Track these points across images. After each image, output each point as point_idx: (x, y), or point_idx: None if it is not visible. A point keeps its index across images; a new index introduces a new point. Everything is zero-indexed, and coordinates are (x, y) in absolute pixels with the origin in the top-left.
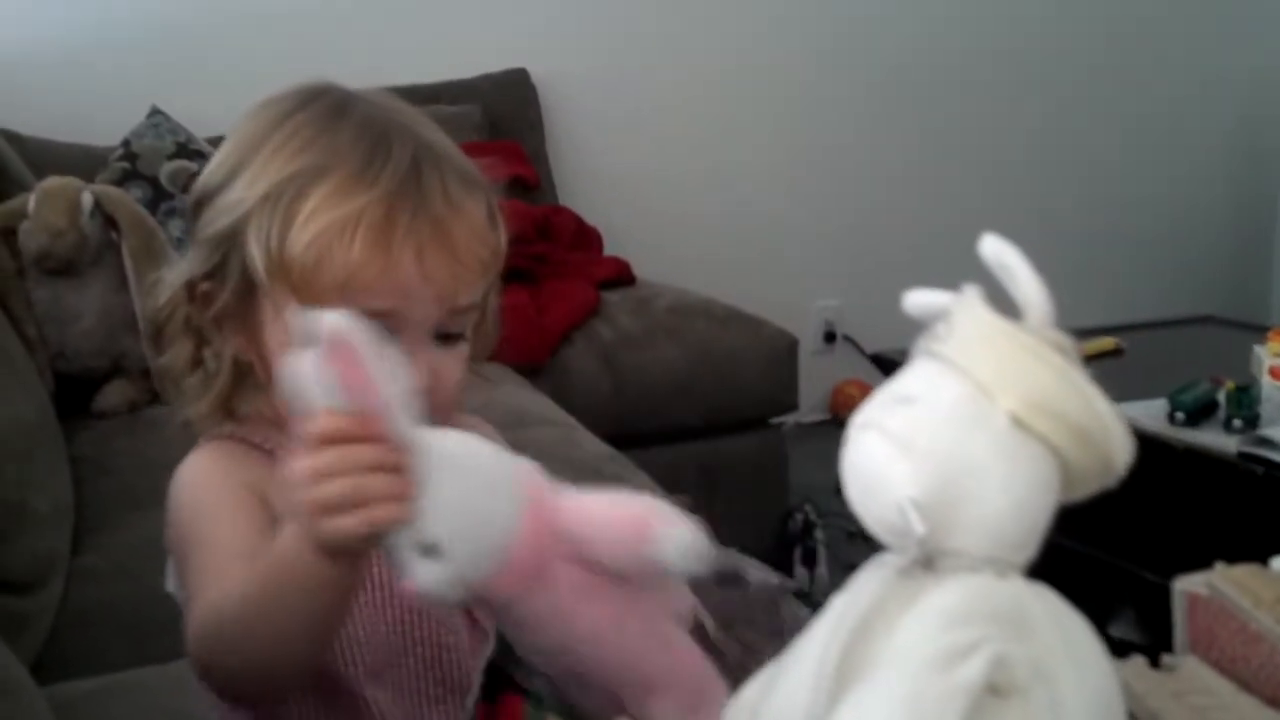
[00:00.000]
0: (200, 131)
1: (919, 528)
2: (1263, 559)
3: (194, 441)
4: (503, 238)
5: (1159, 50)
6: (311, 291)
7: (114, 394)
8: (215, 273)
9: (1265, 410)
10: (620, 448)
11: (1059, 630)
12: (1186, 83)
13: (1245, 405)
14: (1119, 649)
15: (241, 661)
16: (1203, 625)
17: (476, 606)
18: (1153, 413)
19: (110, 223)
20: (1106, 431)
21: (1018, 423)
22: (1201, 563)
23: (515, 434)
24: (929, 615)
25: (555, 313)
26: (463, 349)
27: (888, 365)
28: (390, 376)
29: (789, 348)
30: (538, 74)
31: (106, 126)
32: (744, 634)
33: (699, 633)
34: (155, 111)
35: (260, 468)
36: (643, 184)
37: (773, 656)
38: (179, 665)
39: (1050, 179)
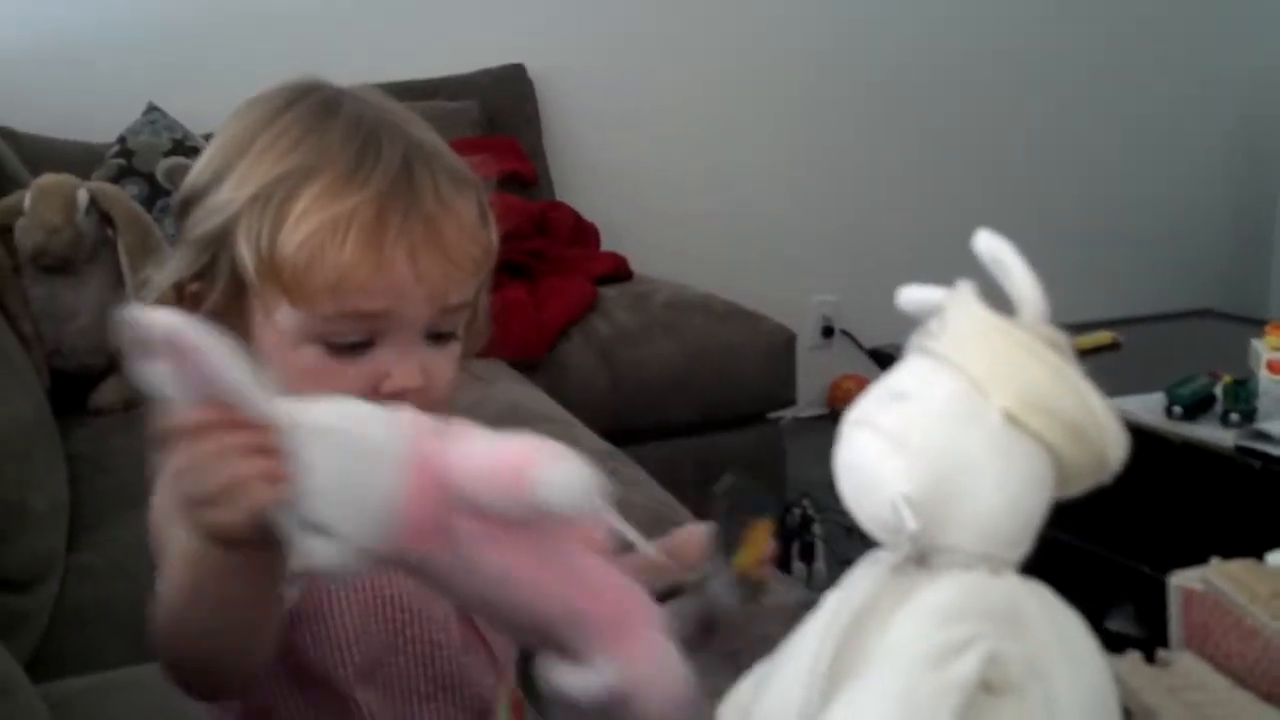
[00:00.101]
0: (197, 128)
1: (912, 524)
2: (1260, 552)
3: None
4: (494, 236)
5: (1158, 48)
6: (303, 292)
7: (110, 391)
8: (204, 274)
9: (1262, 404)
10: (618, 443)
11: (1053, 627)
12: (1185, 80)
13: (1242, 399)
14: (1116, 643)
15: (186, 655)
16: (1198, 620)
17: (382, 571)
18: (1150, 406)
19: (106, 219)
20: (1100, 428)
21: (1011, 419)
22: (1198, 557)
23: (512, 429)
24: (922, 612)
25: (553, 308)
26: (455, 348)
27: (886, 360)
28: (235, 362)
29: (787, 343)
30: (535, 69)
31: (103, 123)
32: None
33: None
34: (151, 108)
35: None
36: (640, 179)
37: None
38: None
39: (1049, 175)
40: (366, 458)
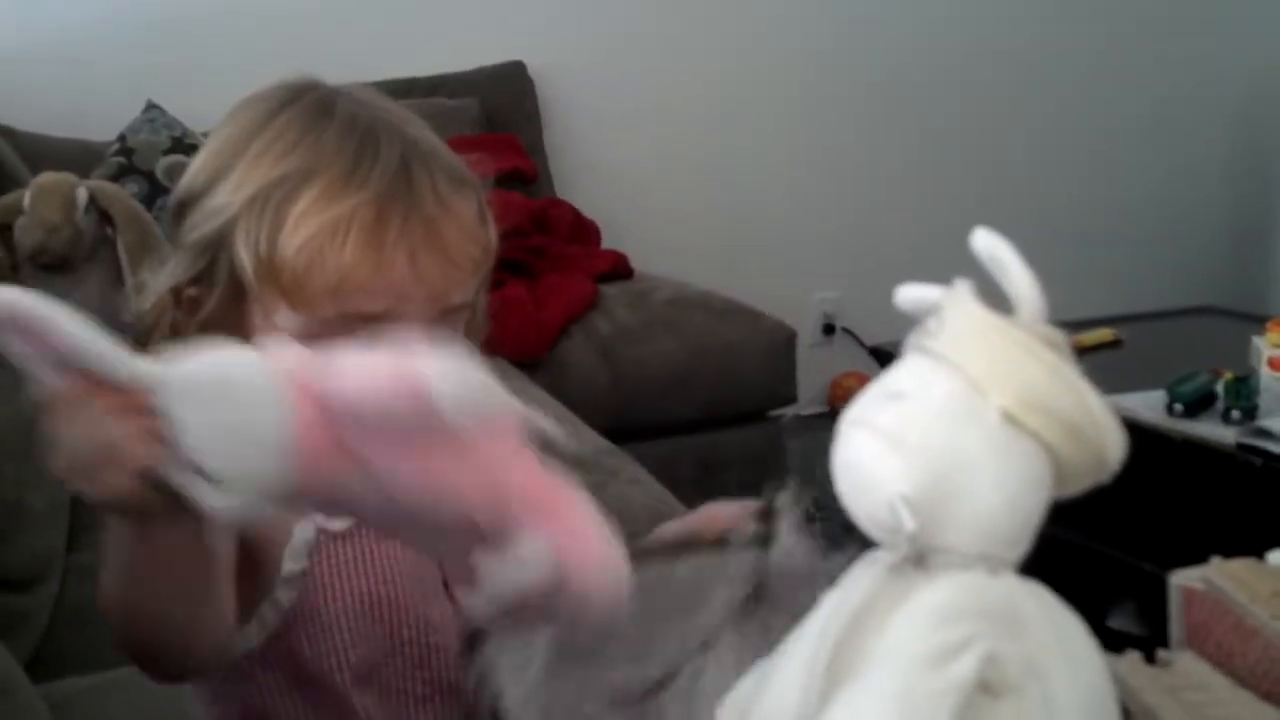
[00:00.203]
0: (196, 126)
1: (910, 524)
2: (1262, 550)
3: None
4: (493, 235)
5: (1157, 45)
6: (303, 295)
7: None
8: (202, 278)
9: (1264, 401)
10: (618, 441)
11: (1052, 627)
12: (1185, 78)
13: (1244, 396)
14: (1117, 642)
15: (131, 636)
16: (1198, 620)
17: (297, 510)
18: (1151, 404)
19: (105, 218)
20: (1099, 427)
21: (1009, 419)
22: (1200, 555)
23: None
24: (920, 613)
25: (553, 306)
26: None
27: (887, 358)
28: (85, 329)
29: (787, 340)
30: (535, 66)
31: (102, 121)
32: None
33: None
34: (151, 106)
35: None
36: (641, 177)
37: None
38: None
39: (1050, 172)
40: (244, 399)
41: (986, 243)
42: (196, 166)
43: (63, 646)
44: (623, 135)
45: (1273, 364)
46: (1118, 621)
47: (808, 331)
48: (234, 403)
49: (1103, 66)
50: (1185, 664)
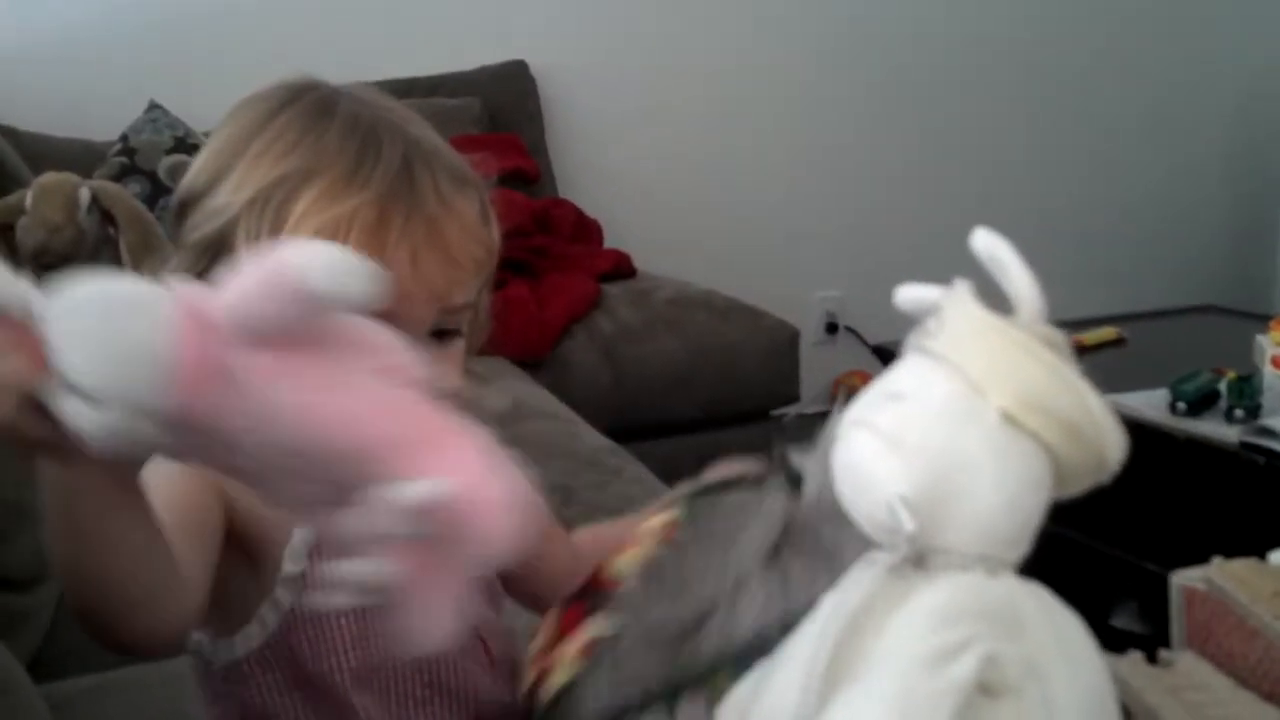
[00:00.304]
0: (199, 126)
1: (909, 525)
2: (1266, 549)
3: None
4: (496, 234)
5: (1158, 42)
6: None
7: None
8: (204, 278)
9: (1267, 400)
10: (620, 440)
11: (1051, 628)
12: (1187, 75)
13: (1247, 395)
14: (1120, 640)
15: (77, 605)
16: (1200, 620)
17: (174, 435)
18: (1154, 403)
19: (108, 218)
20: (1098, 427)
21: (1009, 419)
22: (1203, 554)
23: (515, 427)
24: (919, 614)
25: (555, 306)
26: (458, 347)
27: (890, 356)
28: None
29: (790, 339)
30: (537, 66)
31: (104, 121)
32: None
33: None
34: (153, 106)
35: None
36: (643, 176)
37: None
38: (175, 663)
39: (1053, 171)
40: (125, 312)
41: (986, 243)
42: (198, 166)
43: (64, 647)
44: (625, 135)
45: (1276, 362)
46: (1121, 621)
47: (811, 330)
48: (114, 316)
49: (1103, 65)
50: (1187, 664)
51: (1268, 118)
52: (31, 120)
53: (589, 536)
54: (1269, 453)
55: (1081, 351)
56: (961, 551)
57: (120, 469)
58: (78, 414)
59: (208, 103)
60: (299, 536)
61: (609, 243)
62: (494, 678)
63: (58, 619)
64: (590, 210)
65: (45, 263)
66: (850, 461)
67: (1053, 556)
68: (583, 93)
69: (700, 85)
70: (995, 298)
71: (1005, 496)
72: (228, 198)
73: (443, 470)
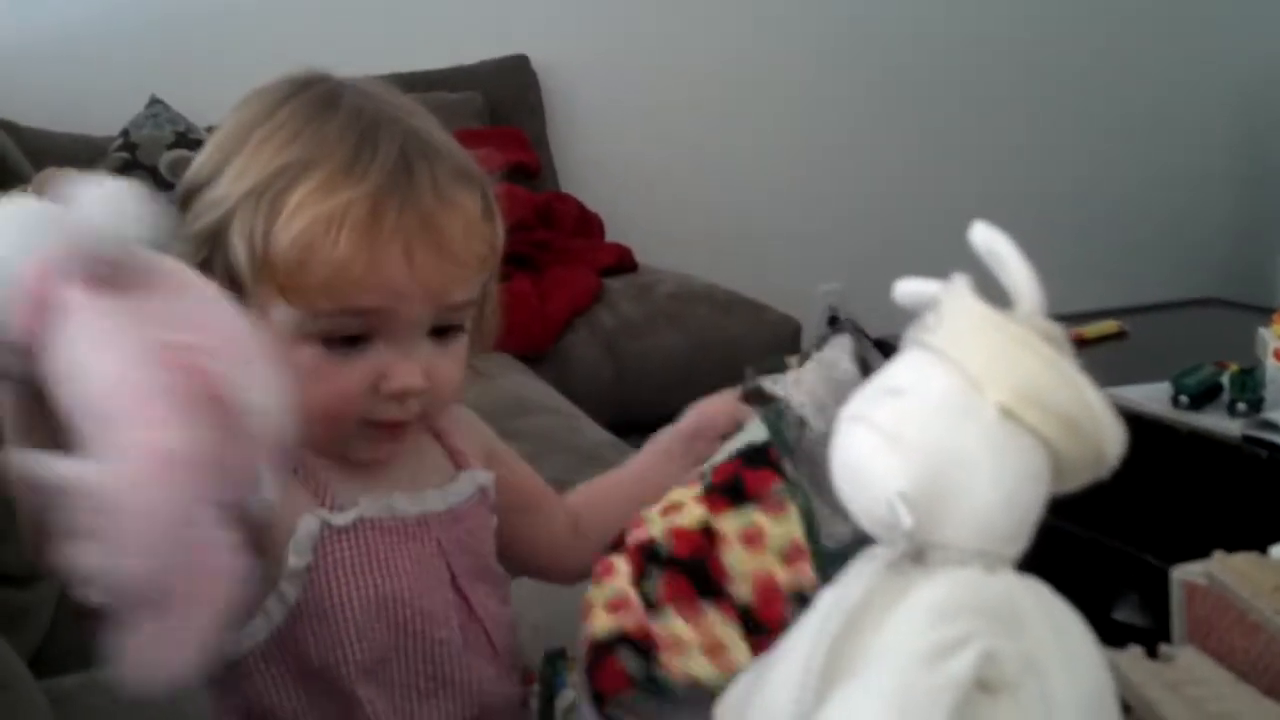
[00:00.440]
0: (200, 121)
1: (907, 521)
2: (1267, 543)
3: None
4: (500, 231)
5: (1160, 33)
6: (297, 290)
7: None
8: (202, 269)
9: (1270, 393)
10: (622, 435)
11: (1050, 624)
12: (1188, 65)
13: (1249, 388)
14: (1121, 634)
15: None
16: (1201, 614)
17: (22, 365)
18: (1156, 396)
19: None
20: (1097, 422)
21: (1007, 414)
22: (1205, 547)
23: (517, 421)
24: (917, 610)
25: (557, 300)
26: (460, 344)
27: (892, 350)
28: None
29: (792, 333)
30: (538, 60)
31: (105, 116)
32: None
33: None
34: (154, 101)
35: None
36: (644, 170)
37: None
38: None
39: (1054, 162)
40: (6, 229)
41: (984, 237)
42: (201, 157)
43: (65, 643)
44: (627, 129)
45: (1278, 355)
46: (1122, 614)
47: (813, 324)
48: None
49: (1104, 58)
50: (1187, 659)
51: (1270, 109)
52: (33, 116)
53: (583, 497)
54: (1271, 446)
55: (1083, 345)
56: (960, 547)
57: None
58: None
59: (209, 98)
60: (303, 530)
61: (610, 237)
62: (498, 670)
63: (58, 615)
64: (592, 204)
65: None
66: (848, 458)
67: (1053, 550)
68: (584, 87)
69: (702, 79)
70: (996, 292)
71: (1003, 492)
72: (227, 188)
73: (114, 453)
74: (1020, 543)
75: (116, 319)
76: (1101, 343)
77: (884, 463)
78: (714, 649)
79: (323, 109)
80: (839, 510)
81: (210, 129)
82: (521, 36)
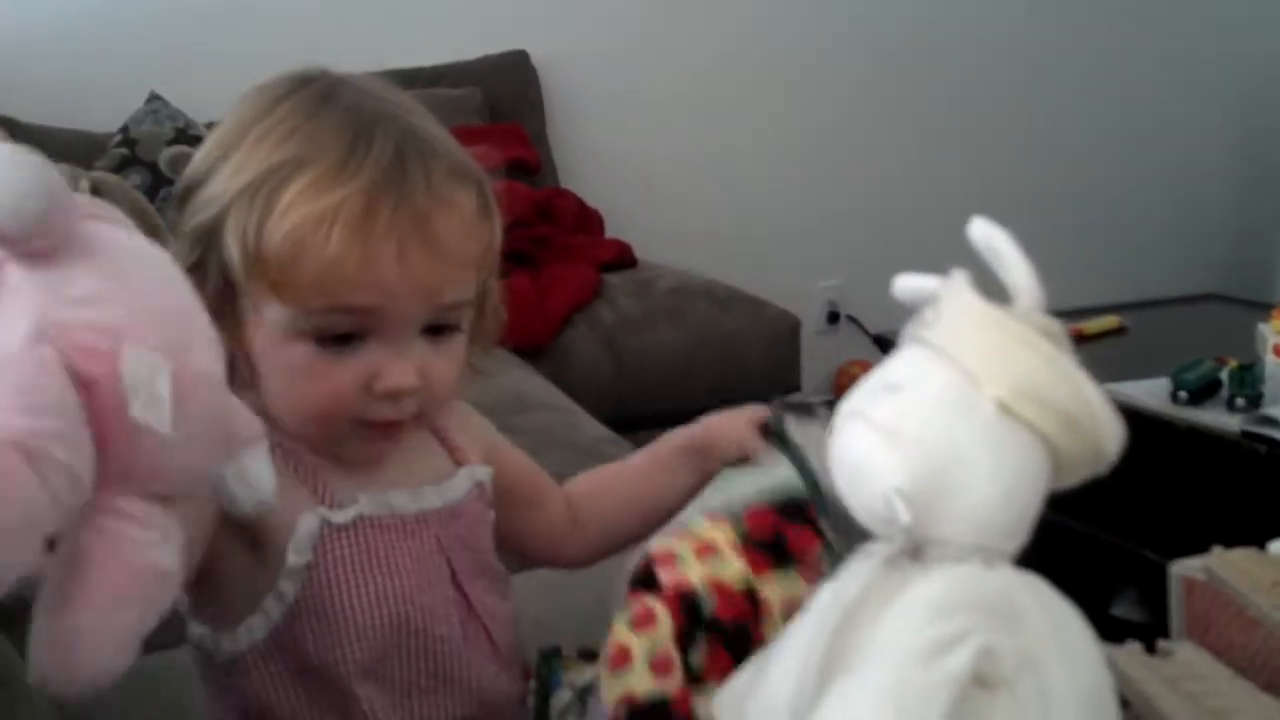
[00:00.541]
0: (200, 117)
1: (905, 517)
2: (1266, 539)
3: None
4: (497, 230)
5: (1161, 26)
6: (289, 288)
7: None
8: (197, 268)
9: (1269, 389)
10: (621, 431)
11: (1048, 619)
12: (1189, 61)
13: (1249, 384)
14: (1120, 629)
15: None
16: (1199, 610)
17: None
18: (1155, 392)
19: None
20: (1095, 418)
21: (1005, 410)
22: (1203, 543)
23: (516, 418)
24: (915, 606)
25: (557, 296)
26: (456, 343)
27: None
28: None
29: (791, 329)
30: (538, 56)
31: (105, 112)
32: None
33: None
34: (154, 97)
35: None
36: (644, 166)
37: None
38: (178, 653)
39: (1053, 158)
40: None
41: (983, 233)
42: (200, 154)
43: None
44: (626, 125)
45: (1278, 351)
46: (1121, 609)
47: (812, 320)
48: None
49: (1105, 53)
50: (1185, 654)
51: (1270, 105)
52: (32, 112)
53: (583, 487)
54: (1270, 442)
55: (1083, 341)
56: (958, 543)
57: None
58: None
59: (208, 94)
60: (303, 528)
61: (610, 233)
62: (498, 666)
63: None
64: (591, 200)
65: None
66: (847, 453)
67: (1052, 545)
68: (584, 83)
69: (702, 75)
70: (994, 287)
71: (1001, 488)
72: (223, 185)
73: None
74: (1019, 538)
75: (24, 294)
76: (1102, 338)
77: (882, 459)
78: None
79: (320, 106)
80: None
81: (210, 125)
82: (521, 32)
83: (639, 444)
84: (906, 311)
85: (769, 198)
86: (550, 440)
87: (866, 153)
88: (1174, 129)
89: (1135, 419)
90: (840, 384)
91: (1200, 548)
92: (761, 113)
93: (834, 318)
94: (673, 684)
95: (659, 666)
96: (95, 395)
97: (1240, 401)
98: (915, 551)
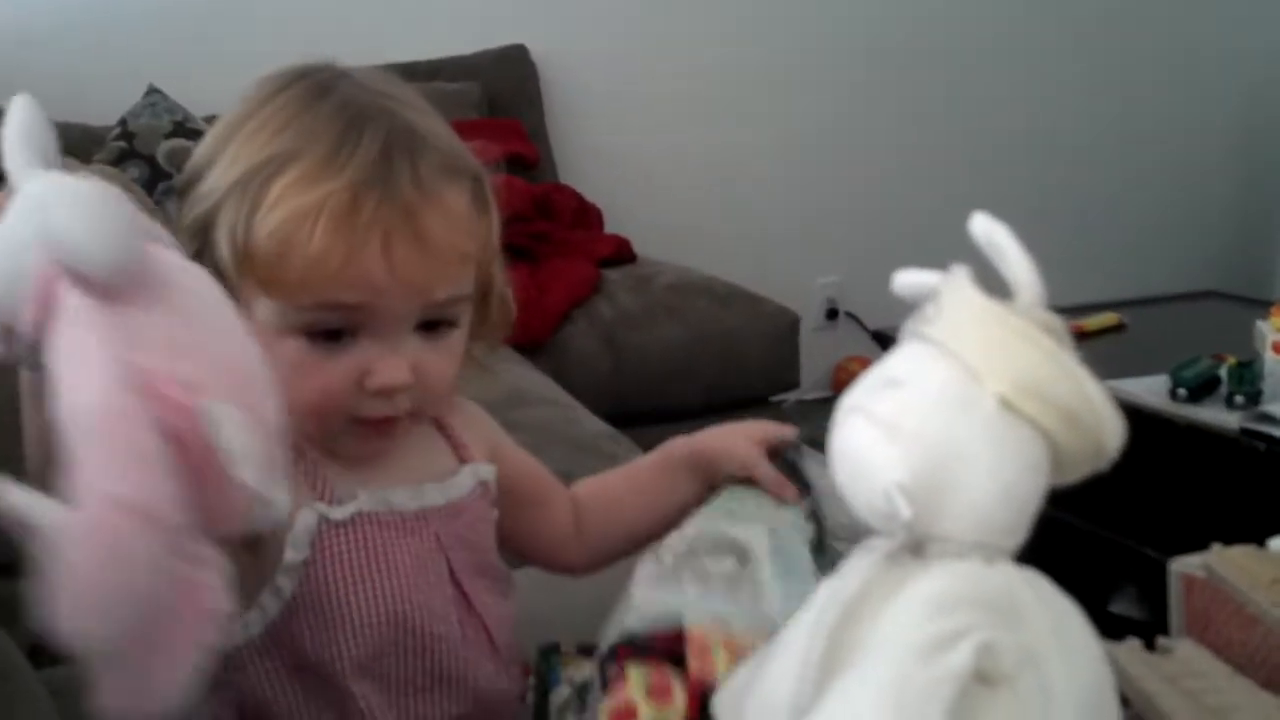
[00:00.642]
0: (198, 110)
1: (906, 512)
2: (1265, 536)
3: None
4: (494, 226)
5: (1161, 26)
6: (276, 283)
7: None
8: (195, 262)
9: (1268, 386)
10: (620, 427)
11: (1049, 616)
12: (1189, 58)
13: (1247, 381)
14: (1119, 627)
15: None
16: (1199, 607)
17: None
18: (1154, 389)
19: None
20: (1097, 414)
21: (1006, 406)
22: (1202, 540)
23: (514, 413)
24: (916, 602)
25: (556, 291)
26: (453, 340)
27: (890, 342)
28: (19, 121)
29: (790, 325)
30: (537, 50)
31: (103, 106)
32: None
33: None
34: (152, 90)
35: None
36: (643, 161)
37: None
38: None
39: (1054, 153)
40: (26, 219)
41: (984, 228)
42: (201, 147)
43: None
44: (625, 120)
45: (1277, 348)
46: (1120, 607)
47: (811, 316)
48: (21, 214)
49: (1106, 47)
50: (1185, 651)
51: (1270, 103)
52: None
53: (586, 493)
54: (1269, 439)
55: (1083, 337)
56: (959, 539)
57: None
58: None
59: (207, 87)
60: (301, 523)
61: (609, 228)
62: (497, 665)
63: None
64: (590, 195)
65: None
66: (847, 448)
67: (1052, 542)
68: (583, 77)
69: (702, 71)
70: (995, 283)
71: (1001, 484)
72: (217, 179)
73: (78, 500)
74: (1019, 535)
75: (98, 332)
76: (1101, 335)
77: (883, 454)
78: None
79: (316, 99)
80: None
81: (209, 118)
82: (520, 27)
83: (638, 439)
84: (905, 308)
85: (768, 194)
86: (549, 436)
87: (866, 150)
88: (1174, 128)
89: (1134, 416)
90: (839, 380)
91: (1199, 545)
92: (762, 109)
93: (833, 314)
94: None
95: None
96: (181, 449)
97: (1239, 399)
98: (916, 547)
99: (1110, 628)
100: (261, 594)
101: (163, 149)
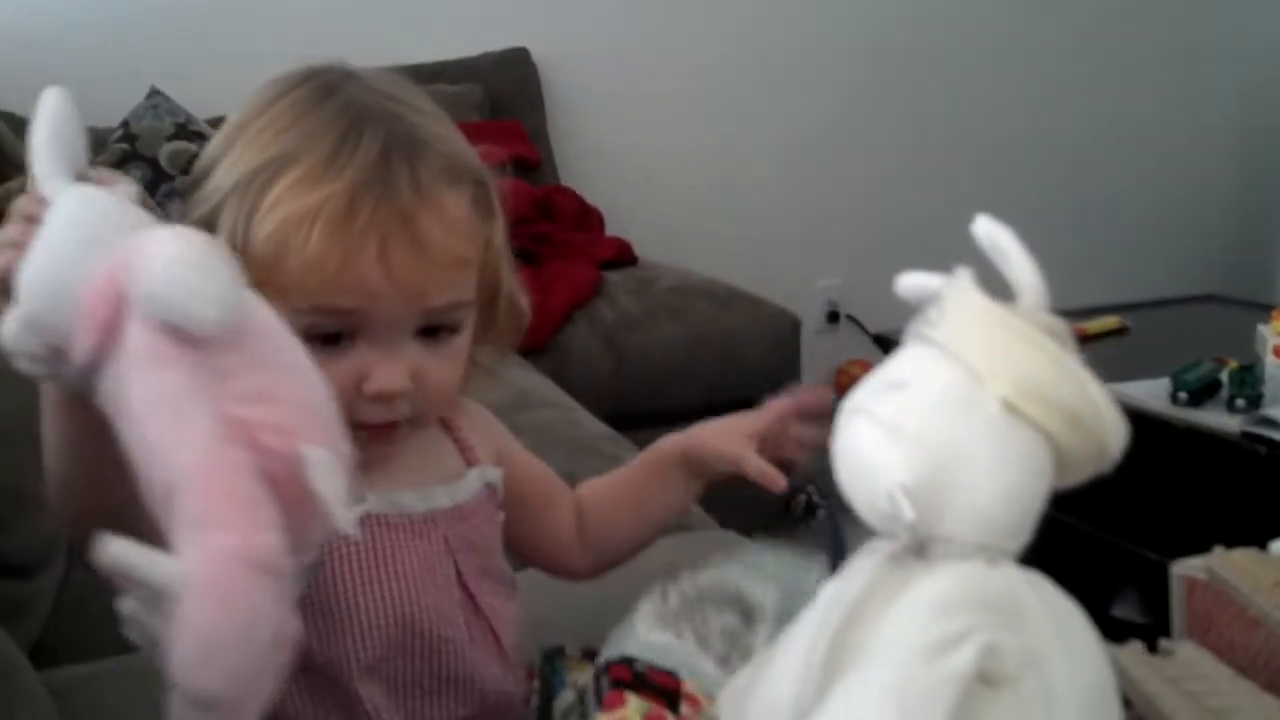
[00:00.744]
0: (200, 113)
1: (908, 514)
2: (1267, 539)
3: None
4: (498, 230)
5: (1161, 26)
6: (273, 286)
7: None
8: None
9: (1269, 390)
10: (621, 429)
11: (1052, 618)
12: (1189, 61)
13: (1248, 385)
14: (1121, 630)
15: (61, 508)
16: (1201, 610)
17: (83, 378)
18: (1156, 392)
19: None
20: (1099, 416)
21: (1009, 408)
22: (1204, 543)
23: (516, 415)
24: (919, 604)
25: (557, 293)
26: (454, 345)
27: (891, 345)
28: (52, 126)
29: (791, 328)
30: (538, 53)
31: (105, 107)
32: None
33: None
34: (154, 92)
35: None
36: (644, 164)
37: None
38: None
39: (1054, 156)
40: (82, 243)
41: (987, 230)
42: (208, 148)
43: (65, 634)
44: (627, 122)
45: (1278, 352)
46: (1121, 610)
47: (812, 319)
48: (74, 237)
49: (1107, 50)
50: (1187, 654)
51: (1271, 106)
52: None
53: (592, 491)
54: (1270, 442)
55: (1085, 340)
56: (961, 541)
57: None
58: (8, 319)
59: (209, 89)
60: None
61: (610, 230)
62: (503, 668)
63: (58, 606)
64: (592, 198)
65: None
66: (850, 450)
67: (1054, 544)
68: (584, 80)
69: (703, 73)
70: (997, 286)
71: (1004, 486)
72: (220, 180)
73: (196, 553)
74: (1022, 536)
75: (186, 377)
76: (1102, 339)
77: (886, 455)
78: None
79: (320, 101)
80: None
81: (211, 120)
82: (521, 29)
83: (639, 441)
84: (907, 311)
85: (770, 196)
86: (550, 437)
87: (867, 151)
88: (1174, 128)
89: (1135, 419)
90: (840, 383)
91: (1201, 548)
92: (763, 111)
93: (834, 317)
94: None
95: None
96: (279, 493)
97: (1240, 402)
98: (919, 549)
99: (1112, 631)
100: None
101: (165, 151)
